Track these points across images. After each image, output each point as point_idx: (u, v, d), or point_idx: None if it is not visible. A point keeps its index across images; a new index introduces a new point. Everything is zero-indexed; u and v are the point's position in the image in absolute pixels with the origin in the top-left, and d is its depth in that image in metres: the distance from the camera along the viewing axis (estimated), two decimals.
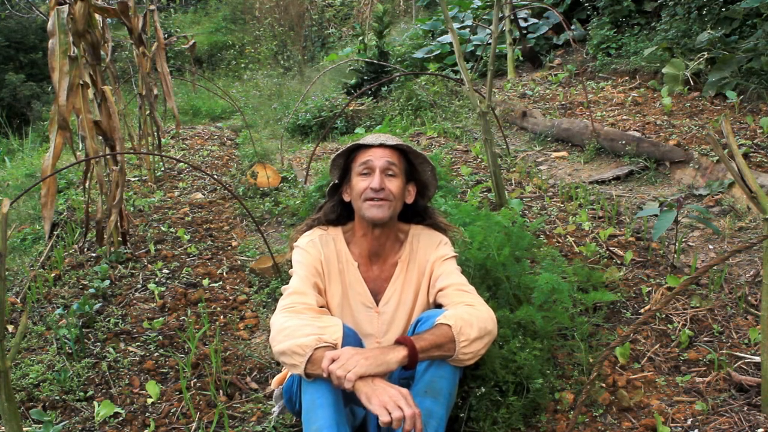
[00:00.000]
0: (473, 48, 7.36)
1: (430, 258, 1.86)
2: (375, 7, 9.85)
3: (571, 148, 4.74)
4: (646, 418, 1.89)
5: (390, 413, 1.37)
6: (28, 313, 2.81)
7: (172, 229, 3.88)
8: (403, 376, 1.69)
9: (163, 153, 5.49)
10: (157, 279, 3.17)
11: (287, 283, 1.81)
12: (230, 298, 2.99)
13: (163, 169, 5.35)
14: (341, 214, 1.91)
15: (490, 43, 3.65)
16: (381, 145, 1.79)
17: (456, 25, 7.85)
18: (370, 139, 1.82)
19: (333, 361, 1.45)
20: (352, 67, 8.04)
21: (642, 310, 2.47)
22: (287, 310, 1.66)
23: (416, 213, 1.93)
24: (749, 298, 2.45)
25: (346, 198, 1.87)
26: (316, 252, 1.83)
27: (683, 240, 3.00)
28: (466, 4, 8.52)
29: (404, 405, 1.39)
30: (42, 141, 8.30)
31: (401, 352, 1.51)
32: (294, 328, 1.57)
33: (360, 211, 1.80)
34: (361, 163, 1.78)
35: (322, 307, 1.76)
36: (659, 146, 4.01)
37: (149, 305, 2.89)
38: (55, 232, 3.90)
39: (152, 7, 4.91)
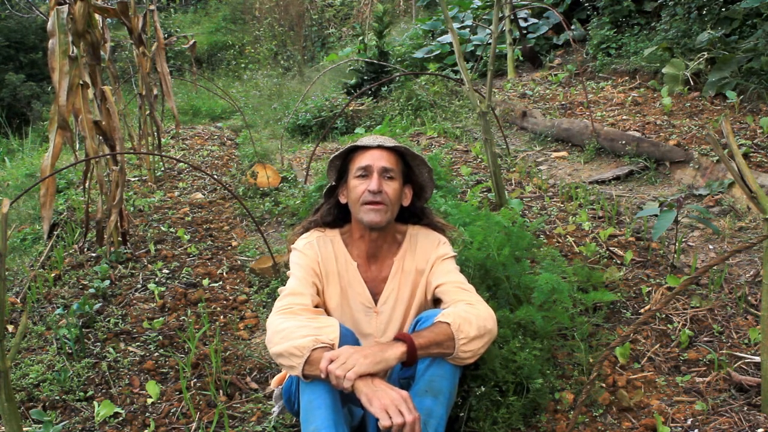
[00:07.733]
0: (473, 48, 7.36)
1: (430, 257, 1.85)
2: (375, 7, 9.85)
3: (571, 148, 4.74)
4: (646, 418, 1.89)
5: (391, 417, 1.37)
6: (28, 313, 2.81)
7: (172, 229, 3.88)
8: (403, 375, 1.69)
9: (163, 153, 5.49)
10: (157, 279, 3.17)
11: (285, 285, 1.81)
12: (230, 298, 2.99)
13: (163, 169, 5.35)
14: (338, 216, 1.90)
15: (490, 43, 3.65)
16: (379, 147, 1.78)
17: (456, 25, 7.84)
18: (367, 140, 1.81)
19: (332, 361, 1.45)
20: (352, 67, 8.03)
21: (642, 310, 2.47)
22: (284, 312, 1.65)
23: (413, 214, 1.93)
24: (749, 298, 2.45)
25: (343, 200, 1.86)
26: (314, 254, 1.83)
27: (683, 240, 3.00)
28: (466, 4, 8.52)
29: (405, 410, 1.39)
30: (42, 141, 8.30)
31: (400, 348, 1.51)
32: (291, 330, 1.56)
33: (357, 215, 1.79)
34: (358, 164, 1.77)
35: (318, 307, 1.76)
36: (659, 146, 4.01)
37: (149, 305, 2.89)
38: (55, 232, 3.90)
39: (152, 7, 4.91)
